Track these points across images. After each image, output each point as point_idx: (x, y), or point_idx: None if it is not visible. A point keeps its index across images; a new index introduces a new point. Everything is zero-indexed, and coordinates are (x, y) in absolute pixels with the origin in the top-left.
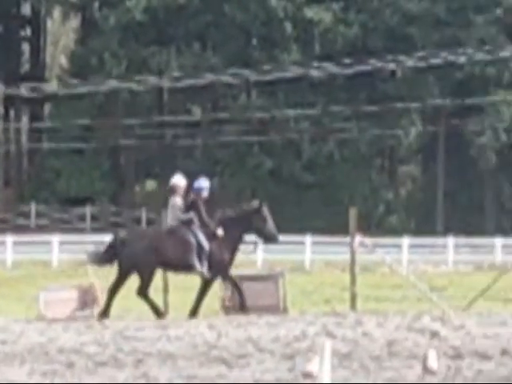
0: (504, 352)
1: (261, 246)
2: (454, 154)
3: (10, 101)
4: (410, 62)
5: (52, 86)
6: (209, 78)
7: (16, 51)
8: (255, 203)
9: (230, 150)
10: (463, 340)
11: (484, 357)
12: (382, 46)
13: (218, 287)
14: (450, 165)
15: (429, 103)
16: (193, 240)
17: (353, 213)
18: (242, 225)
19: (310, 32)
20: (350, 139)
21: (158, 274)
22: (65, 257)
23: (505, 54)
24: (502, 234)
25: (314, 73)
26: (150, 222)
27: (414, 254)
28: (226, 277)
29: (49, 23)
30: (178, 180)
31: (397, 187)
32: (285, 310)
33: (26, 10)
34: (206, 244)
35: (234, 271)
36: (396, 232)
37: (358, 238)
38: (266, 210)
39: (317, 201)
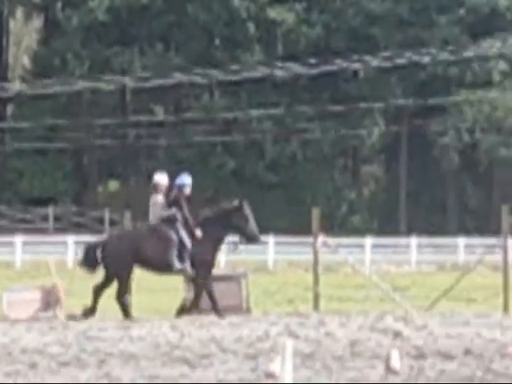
0: (467, 352)
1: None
2: (416, 154)
3: None
4: (375, 62)
5: (15, 86)
6: (177, 77)
7: None
8: (236, 201)
9: (193, 150)
10: (426, 340)
11: (447, 357)
12: (345, 46)
13: (182, 288)
14: (412, 165)
15: (391, 103)
16: (174, 237)
17: (316, 213)
18: (222, 224)
19: (273, 32)
20: (313, 139)
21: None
22: (28, 257)
23: (468, 54)
24: (465, 233)
25: (279, 73)
26: (112, 223)
27: (377, 254)
28: (207, 277)
29: (11, 23)
30: (161, 178)
31: (360, 187)
32: (248, 311)
33: None
34: (188, 242)
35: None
36: (359, 232)
37: (321, 238)
38: (247, 209)
39: (280, 201)
